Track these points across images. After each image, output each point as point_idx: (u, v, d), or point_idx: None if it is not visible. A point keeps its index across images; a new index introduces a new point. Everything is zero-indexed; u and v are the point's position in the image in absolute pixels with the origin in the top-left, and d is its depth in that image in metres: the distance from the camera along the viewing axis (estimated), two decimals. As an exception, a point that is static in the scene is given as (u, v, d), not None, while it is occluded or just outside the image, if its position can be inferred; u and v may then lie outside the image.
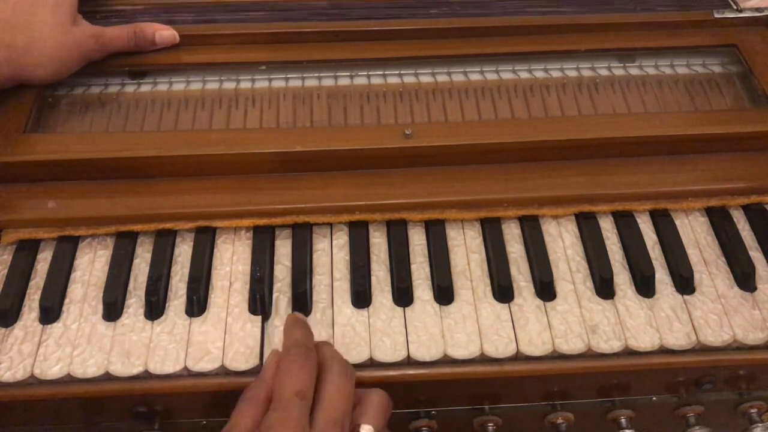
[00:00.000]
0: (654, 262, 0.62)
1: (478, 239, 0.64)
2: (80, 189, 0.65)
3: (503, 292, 0.61)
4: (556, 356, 0.58)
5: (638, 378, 0.60)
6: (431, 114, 0.72)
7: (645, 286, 0.61)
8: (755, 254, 0.63)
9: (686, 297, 0.61)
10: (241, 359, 0.57)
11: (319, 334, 0.58)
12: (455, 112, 0.72)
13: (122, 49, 0.73)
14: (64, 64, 0.69)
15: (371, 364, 0.57)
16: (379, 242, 0.64)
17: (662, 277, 0.62)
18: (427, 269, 0.62)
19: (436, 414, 0.63)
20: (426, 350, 0.57)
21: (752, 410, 0.64)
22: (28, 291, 0.61)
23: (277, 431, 0.49)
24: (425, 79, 0.75)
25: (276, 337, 0.58)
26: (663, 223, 0.65)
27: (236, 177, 0.65)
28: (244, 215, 0.64)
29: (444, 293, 0.60)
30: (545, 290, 0.61)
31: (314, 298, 0.61)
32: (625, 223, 0.65)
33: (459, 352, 0.57)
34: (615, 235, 0.65)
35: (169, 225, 0.64)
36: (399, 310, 0.60)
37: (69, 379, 0.56)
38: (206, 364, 0.57)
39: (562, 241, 0.64)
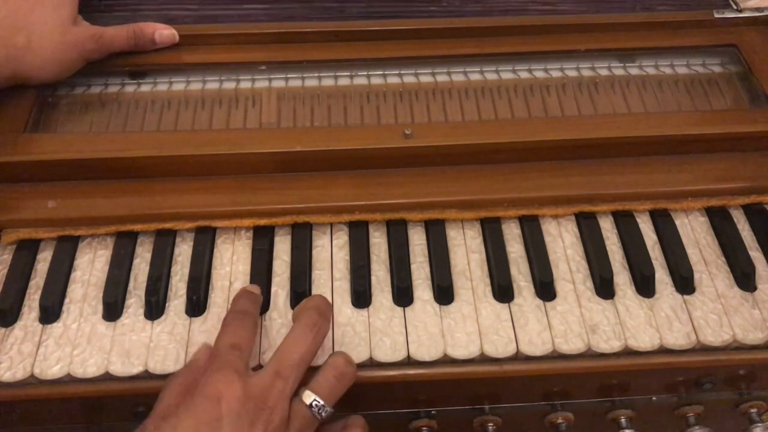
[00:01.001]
0: (654, 262, 0.62)
1: (478, 239, 0.64)
2: (80, 189, 0.65)
3: (503, 292, 0.61)
4: (556, 356, 0.58)
5: (638, 378, 0.60)
6: (431, 114, 0.72)
7: (645, 286, 0.61)
8: (755, 254, 0.63)
9: (686, 297, 0.61)
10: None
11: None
12: (455, 112, 0.72)
13: (122, 49, 0.73)
14: (64, 64, 0.69)
15: (371, 364, 0.57)
16: (379, 242, 0.64)
17: (662, 277, 0.62)
18: (427, 269, 0.62)
19: (436, 414, 0.63)
20: (426, 350, 0.57)
21: (752, 410, 0.64)
22: (28, 291, 0.61)
23: (209, 375, 0.50)
24: (425, 79, 0.75)
25: (273, 330, 0.58)
26: (663, 223, 0.65)
27: (236, 177, 0.65)
28: (244, 215, 0.64)
29: (444, 293, 0.60)
30: (545, 290, 0.61)
31: (314, 292, 0.61)
32: (625, 223, 0.65)
33: (459, 352, 0.57)
34: (615, 235, 0.65)
35: (169, 225, 0.64)
36: (399, 310, 0.60)
37: (69, 379, 0.56)
38: (206, 364, 0.57)
39: (562, 241, 0.64)
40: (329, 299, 0.60)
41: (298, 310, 0.57)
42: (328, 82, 0.75)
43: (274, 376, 0.51)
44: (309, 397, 0.52)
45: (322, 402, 0.52)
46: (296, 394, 0.52)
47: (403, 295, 0.60)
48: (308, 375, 0.54)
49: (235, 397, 0.49)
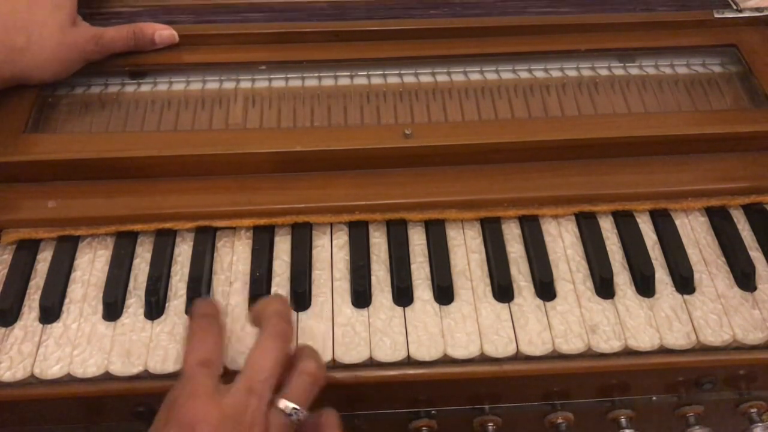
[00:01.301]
0: (654, 262, 0.62)
1: (478, 239, 0.64)
2: (80, 189, 0.65)
3: (503, 292, 0.61)
4: (556, 356, 0.58)
5: (638, 378, 0.60)
6: (431, 114, 0.72)
7: (645, 286, 0.61)
8: (755, 254, 0.63)
9: (686, 297, 0.61)
10: (241, 359, 0.56)
11: (318, 328, 0.59)
12: (455, 112, 0.72)
13: (122, 49, 0.73)
14: (64, 64, 0.69)
15: (371, 364, 0.57)
16: (379, 242, 0.64)
17: (662, 277, 0.62)
18: (427, 269, 0.62)
19: (436, 414, 0.63)
20: (426, 350, 0.57)
21: (752, 410, 0.64)
22: (28, 291, 0.61)
23: (182, 401, 0.49)
24: (425, 79, 0.75)
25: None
26: (663, 223, 0.65)
27: (236, 177, 0.65)
28: (244, 215, 0.64)
29: (444, 293, 0.60)
30: (545, 290, 0.61)
31: (314, 292, 0.61)
32: (625, 223, 0.65)
33: (459, 352, 0.57)
34: (615, 235, 0.65)
35: (169, 225, 0.64)
36: (399, 309, 0.60)
37: (69, 379, 0.56)
38: (206, 363, 0.57)
39: (562, 241, 0.64)
40: (330, 298, 0.60)
41: (258, 315, 0.55)
42: (328, 82, 0.75)
43: (248, 393, 0.50)
44: (285, 405, 0.51)
45: (298, 408, 0.51)
46: (271, 402, 0.51)
47: (403, 295, 0.60)
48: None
49: (209, 423, 0.48)
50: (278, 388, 0.52)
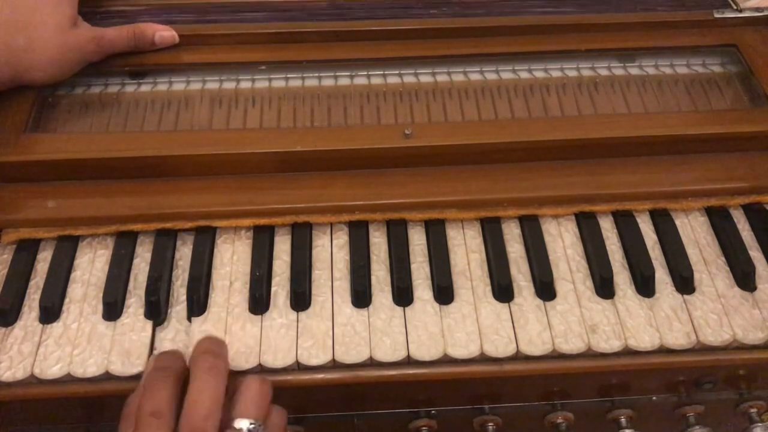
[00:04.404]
0: (654, 261, 0.62)
1: (478, 239, 0.64)
2: (80, 189, 0.65)
3: (503, 291, 0.61)
4: (556, 356, 0.58)
5: (638, 378, 0.60)
6: (431, 114, 0.72)
7: (645, 285, 0.61)
8: (755, 254, 0.63)
9: (686, 297, 0.61)
10: (242, 359, 0.57)
11: (319, 328, 0.58)
12: (455, 112, 0.72)
13: (122, 50, 0.73)
14: (64, 65, 0.69)
15: (371, 363, 0.57)
16: (379, 242, 0.64)
17: (662, 276, 0.62)
18: (427, 269, 0.62)
19: (436, 414, 0.63)
20: (426, 350, 0.57)
21: (752, 410, 0.64)
22: (28, 291, 0.61)
23: None
24: (425, 79, 0.75)
25: (273, 331, 0.58)
26: (663, 222, 0.65)
27: (236, 177, 0.65)
28: (244, 215, 0.64)
29: (444, 293, 0.60)
30: (545, 290, 0.61)
31: (314, 292, 0.61)
32: (625, 223, 0.65)
33: (459, 352, 0.57)
34: (615, 234, 0.65)
35: (169, 225, 0.64)
36: (399, 309, 0.60)
37: (69, 379, 0.56)
38: (206, 363, 0.56)
39: (562, 241, 0.64)
40: (330, 298, 0.60)
41: (192, 356, 0.54)
42: (328, 82, 0.75)
43: None
44: (242, 423, 0.50)
45: (255, 422, 0.51)
46: (228, 427, 0.50)
47: (403, 295, 0.60)
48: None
49: None
50: (225, 423, 0.51)
